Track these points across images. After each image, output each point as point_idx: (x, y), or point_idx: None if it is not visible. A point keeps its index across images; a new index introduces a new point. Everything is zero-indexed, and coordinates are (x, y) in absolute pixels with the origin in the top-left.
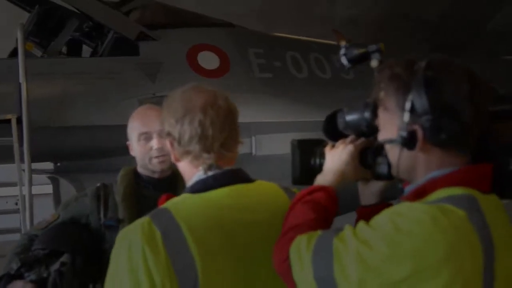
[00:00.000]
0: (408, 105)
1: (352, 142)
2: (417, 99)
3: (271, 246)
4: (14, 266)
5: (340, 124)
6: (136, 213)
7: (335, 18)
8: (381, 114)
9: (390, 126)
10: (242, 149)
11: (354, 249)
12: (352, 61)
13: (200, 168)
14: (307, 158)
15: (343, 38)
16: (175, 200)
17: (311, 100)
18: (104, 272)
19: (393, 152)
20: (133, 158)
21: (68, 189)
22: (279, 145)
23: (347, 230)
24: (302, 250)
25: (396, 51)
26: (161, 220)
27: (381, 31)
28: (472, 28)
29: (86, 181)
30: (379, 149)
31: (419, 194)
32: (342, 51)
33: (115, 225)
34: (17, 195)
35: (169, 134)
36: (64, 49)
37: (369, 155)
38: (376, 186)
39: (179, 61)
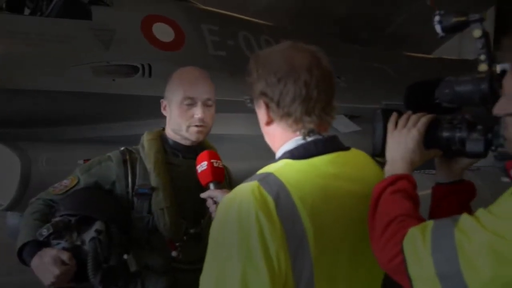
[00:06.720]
0: None
1: (414, 124)
2: None
3: None
4: (45, 232)
5: (444, 96)
6: (169, 181)
7: (253, 5)
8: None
9: None
10: None
11: (485, 241)
12: (448, 29)
13: (298, 132)
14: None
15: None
16: (275, 165)
17: None
18: (135, 242)
19: None
20: (84, 129)
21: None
22: (230, 125)
23: (467, 219)
24: (418, 245)
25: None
26: (270, 185)
27: (291, 23)
28: (376, 28)
29: (30, 150)
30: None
31: None
32: (437, 18)
33: (148, 193)
34: None
35: (264, 94)
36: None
37: (440, 134)
38: (463, 163)
39: (133, 30)
